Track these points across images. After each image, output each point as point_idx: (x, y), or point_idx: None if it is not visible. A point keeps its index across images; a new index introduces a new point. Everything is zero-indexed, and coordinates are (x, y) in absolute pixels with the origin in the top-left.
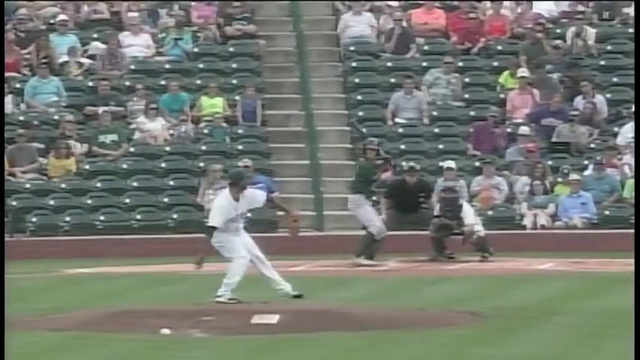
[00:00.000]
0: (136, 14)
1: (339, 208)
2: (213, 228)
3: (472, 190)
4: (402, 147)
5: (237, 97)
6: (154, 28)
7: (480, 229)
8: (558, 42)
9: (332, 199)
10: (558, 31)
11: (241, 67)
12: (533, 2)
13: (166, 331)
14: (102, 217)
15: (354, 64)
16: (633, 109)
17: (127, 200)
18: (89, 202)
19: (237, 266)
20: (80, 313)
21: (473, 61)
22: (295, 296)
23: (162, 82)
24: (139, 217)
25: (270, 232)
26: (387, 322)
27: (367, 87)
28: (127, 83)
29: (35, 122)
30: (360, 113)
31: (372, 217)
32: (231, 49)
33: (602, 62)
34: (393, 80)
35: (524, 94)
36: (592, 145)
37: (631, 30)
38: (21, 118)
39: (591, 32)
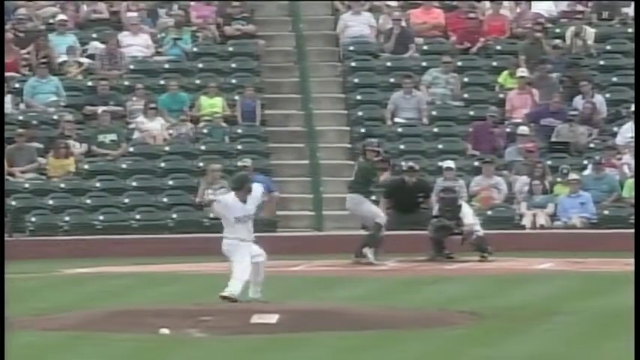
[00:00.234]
0: (135, 14)
1: (339, 208)
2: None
3: (471, 190)
4: (401, 147)
5: (236, 97)
6: (153, 27)
7: (478, 229)
8: (557, 42)
9: (331, 199)
10: (557, 30)
11: (241, 66)
12: (533, 2)
13: (165, 330)
14: (101, 217)
15: (353, 64)
16: (632, 108)
17: (127, 200)
18: (88, 201)
19: (242, 269)
20: (79, 313)
21: (472, 61)
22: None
23: (162, 82)
24: (138, 217)
25: (270, 232)
26: (386, 321)
27: (366, 87)
28: (126, 83)
29: (34, 122)
30: (360, 113)
31: (376, 210)
32: (230, 49)
33: (602, 62)
34: (392, 80)
35: (523, 93)
36: (591, 145)
37: (630, 30)
38: (20, 117)
39: (590, 32)
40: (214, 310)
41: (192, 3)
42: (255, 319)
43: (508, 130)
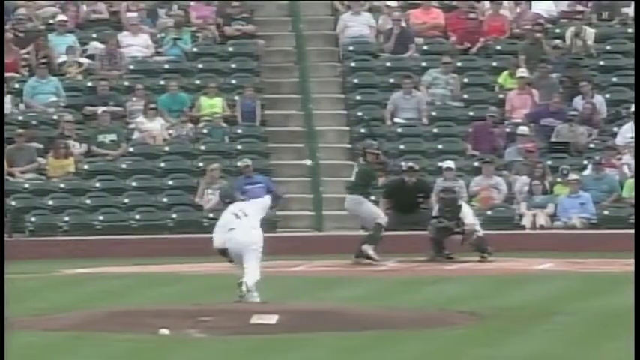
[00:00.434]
0: (135, 14)
1: (338, 208)
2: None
3: (471, 191)
4: (401, 147)
5: (236, 97)
6: (152, 28)
7: (478, 230)
8: (557, 42)
9: (331, 199)
10: (557, 31)
11: (240, 67)
12: (532, 2)
13: (165, 331)
14: (101, 217)
15: (353, 64)
16: (632, 109)
17: (126, 200)
18: (88, 202)
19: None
20: (79, 313)
21: (472, 61)
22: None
23: (162, 82)
24: (138, 217)
25: (269, 232)
26: (386, 322)
27: (366, 87)
28: (126, 83)
29: (34, 122)
30: (359, 113)
31: (376, 210)
32: (230, 49)
33: (602, 62)
34: (392, 80)
35: (523, 94)
36: (591, 145)
37: (630, 30)
38: (20, 118)
39: (590, 32)
40: (214, 310)
41: (192, 3)
42: (255, 319)
43: (508, 130)
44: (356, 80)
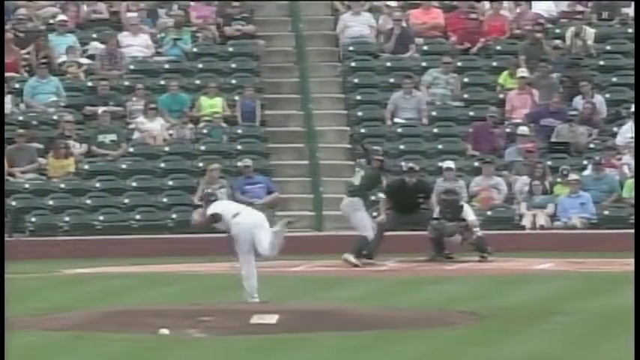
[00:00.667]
0: (135, 14)
1: (339, 208)
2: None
3: (471, 191)
4: (401, 147)
5: (236, 97)
6: (153, 28)
7: (478, 230)
8: (557, 42)
9: (331, 199)
10: (557, 31)
11: (240, 67)
12: (533, 2)
13: (165, 331)
14: (101, 217)
15: (353, 64)
16: (632, 109)
17: (126, 200)
18: (88, 202)
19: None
20: (79, 313)
21: (472, 61)
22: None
23: (162, 82)
24: (138, 217)
25: None
26: (386, 322)
27: (366, 87)
28: (126, 83)
29: (34, 122)
30: (359, 113)
31: (366, 224)
32: (230, 49)
33: (602, 62)
34: (392, 80)
35: (523, 94)
36: (591, 145)
37: (630, 30)
38: (20, 118)
39: (590, 32)
40: (214, 310)
41: (192, 3)
42: (255, 319)
43: (508, 130)
44: (356, 80)
